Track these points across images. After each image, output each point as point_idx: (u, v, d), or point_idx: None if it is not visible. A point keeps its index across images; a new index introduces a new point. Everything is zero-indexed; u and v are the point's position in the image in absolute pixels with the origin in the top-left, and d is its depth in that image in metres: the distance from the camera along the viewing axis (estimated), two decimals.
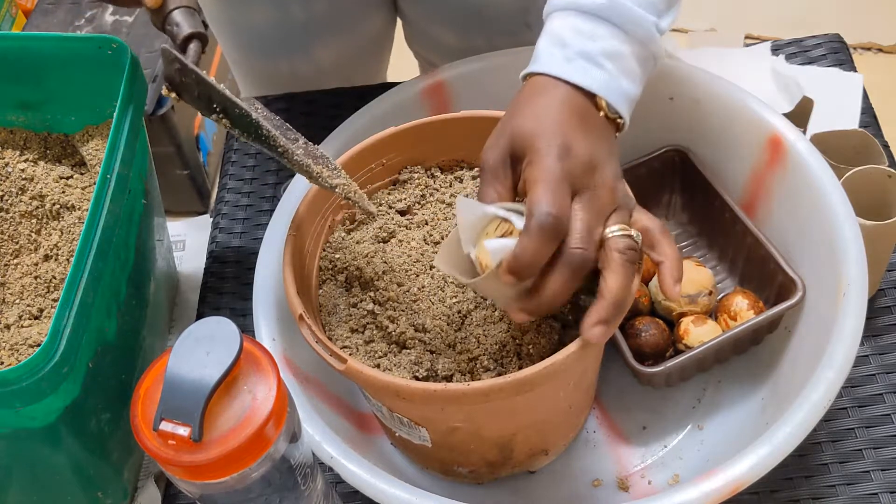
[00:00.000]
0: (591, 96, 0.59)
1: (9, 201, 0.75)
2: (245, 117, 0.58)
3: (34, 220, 0.75)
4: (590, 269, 0.56)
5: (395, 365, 0.61)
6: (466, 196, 0.61)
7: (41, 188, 0.75)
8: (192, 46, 0.63)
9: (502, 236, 0.57)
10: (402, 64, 1.14)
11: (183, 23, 0.63)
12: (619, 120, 0.60)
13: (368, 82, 1.07)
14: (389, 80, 1.15)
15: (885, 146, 0.83)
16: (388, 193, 0.71)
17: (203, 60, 0.66)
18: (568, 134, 0.57)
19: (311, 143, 0.64)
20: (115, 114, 0.69)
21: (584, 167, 0.57)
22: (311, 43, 0.97)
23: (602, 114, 0.59)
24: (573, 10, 0.61)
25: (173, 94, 0.61)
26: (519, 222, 0.56)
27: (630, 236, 0.56)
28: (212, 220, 0.92)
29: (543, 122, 0.58)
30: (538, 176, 0.56)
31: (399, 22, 1.04)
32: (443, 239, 0.67)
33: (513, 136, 0.58)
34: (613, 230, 0.56)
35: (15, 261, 0.74)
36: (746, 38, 1.97)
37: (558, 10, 0.62)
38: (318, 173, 0.60)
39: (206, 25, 0.66)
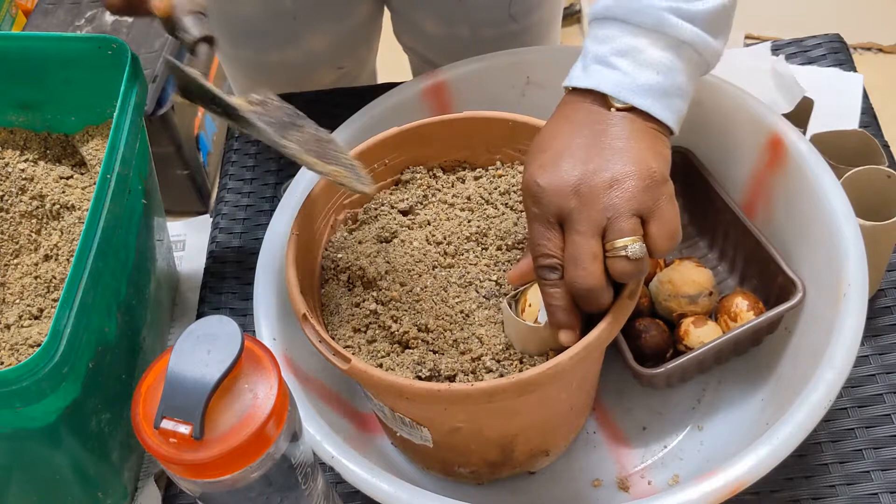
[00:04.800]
0: (605, 101, 0.59)
1: (9, 201, 0.75)
2: (243, 119, 0.61)
3: (34, 220, 0.75)
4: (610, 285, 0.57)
5: (397, 365, 0.61)
6: None
7: (41, 188, 0.75)
8: (202, 49, 0.64)
9: None
10: (394, 60, 1.14)
11: (192, 28, 0.64)
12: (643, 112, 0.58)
13: (358, 70, 1.08)
14: (381, 75, 1.15)
15: (885, 146, 0.83)
16: (391, 193, 0.71)
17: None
18: (542, 166, 0.58)
19: (322, 129, 0.65)
20: (115, 114, 0.69)
21: (559, 195, 0.56)
22: (300, 32, 0.97)
23: (614, 110, 0.58)
24: (592, 20, 0.61)
25: (181, 99, 0.63)
26: None
27: (624, 256, 0.55)
28: (212, 220, 0.92)
29: (534, 153, 0.59)
30: (528, 220, 0.59)
31: (388, 14, 1.05)
32: (445, 239, 0.67)
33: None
34: (614, 245, 0.56)
35: (15, 261, 0.74)
36: (746, 38, 1.97)
37: (589, 25, 0.62)
38: (310, 163, 0.61)
39: None
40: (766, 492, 0.68)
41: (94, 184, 0.69)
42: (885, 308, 0.76)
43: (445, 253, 0.66)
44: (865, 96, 0.89)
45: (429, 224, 0.69)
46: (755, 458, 0.58)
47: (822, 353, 0.62)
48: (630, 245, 0.55)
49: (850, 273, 0.64)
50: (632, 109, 0.58)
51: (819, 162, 0.69)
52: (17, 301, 0.71)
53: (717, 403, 0.73)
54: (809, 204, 0.69)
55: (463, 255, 0.66)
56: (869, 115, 0.88)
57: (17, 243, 0.75)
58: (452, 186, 0.71)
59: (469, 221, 0.68)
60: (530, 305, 0.60)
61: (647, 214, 0.56)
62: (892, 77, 1.89)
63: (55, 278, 0.72)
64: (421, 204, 0.70)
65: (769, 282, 0.73)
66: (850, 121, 0.87)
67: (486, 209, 0.68)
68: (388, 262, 0.65)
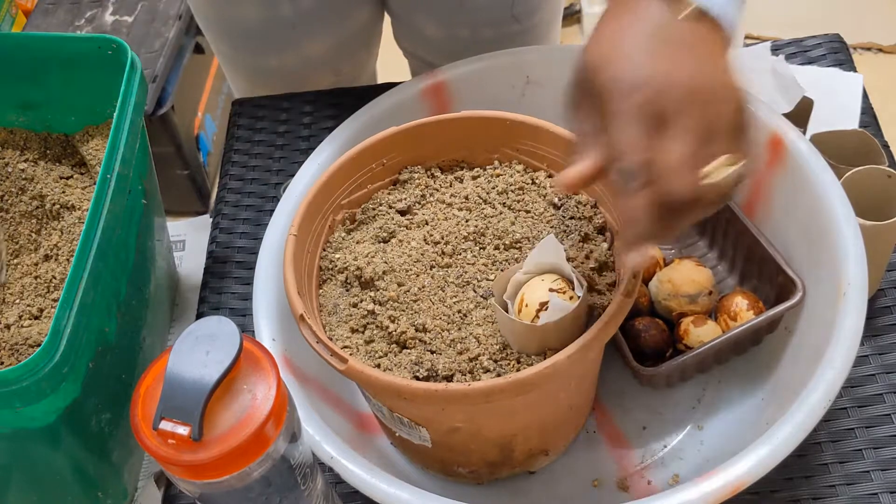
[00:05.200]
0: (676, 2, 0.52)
1: (9, 201, 0.75)
2: None
3: (34, 220, 0.75)
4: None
5: (395, 365, 0.61)
6: (558, 239, 0.62)
7: (41, 188, 0.75)
8: None
9: (557, 290, 0.60)
10: (394, 63, 1.15)
11: None
12: (712, 18, 0.53)
13: (357, 73, 1.07)
14: (381, 78, 1.15)
15: (885, 146, 0.83)
16: (389, 193, 0.71)
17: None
18: (641, 55, 0.51)
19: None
20: (115, 114, 0.69)
21: (668, 94, 0.50)
22: (299, 37, 0.97)
23: (685, 17, 0.52)
24: None
25: None
26: (578, 290, 0.60)
27: (729, 179, 0.50)
28: (212, 220, 0.92)
29: (614, 46, 0.53)
30: (610, 116, 0.51)
31: (388, 19, 1.05)
32: (443, 239, 0.67)
33: (584, 68, 0.54)
34: (717, 166, 0.50)
35: (15, 261, 0.74)
36: (746, 38, 1.97)
37: None
38: None
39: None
40: (766, 492, 0.68)
41: (94, 184, 0.69)
42: (885, 308, 0.76)
43: (443, 253, 0.66)
44: (865, 96, 0.89)
45: (427, 224, 0.69)
46: (755, 458, 0.58)
47: (822, 353, 0.61)
48: (735, 166, 0.51)
49: (850, 273, 0.64)
50: (701, 19, 0.52)
51: (819, 162, 0.69)
52: (17, 301, 0.72)
53: (717, 403, 0.73)
54: (809, 203, 0.69)
55: (461, 254, 0.66)
56: (869, 115, 0.88)
57: (17, 243, 0.75)
58: (450, 186, 0.71)
59: (467, 221, 0.68)
60: (527, 306, 0.60)
61: (741, 139, 0.52)
62: (892, 77, 1.89)
63: (55, 278, 0.72)
64: (419, 204, 0.70)
65: (769, 281, 0.73)
66: (849, 121, 0.87)
67: (483, 209, 0.68)
68: (385, 262, 0.65)
